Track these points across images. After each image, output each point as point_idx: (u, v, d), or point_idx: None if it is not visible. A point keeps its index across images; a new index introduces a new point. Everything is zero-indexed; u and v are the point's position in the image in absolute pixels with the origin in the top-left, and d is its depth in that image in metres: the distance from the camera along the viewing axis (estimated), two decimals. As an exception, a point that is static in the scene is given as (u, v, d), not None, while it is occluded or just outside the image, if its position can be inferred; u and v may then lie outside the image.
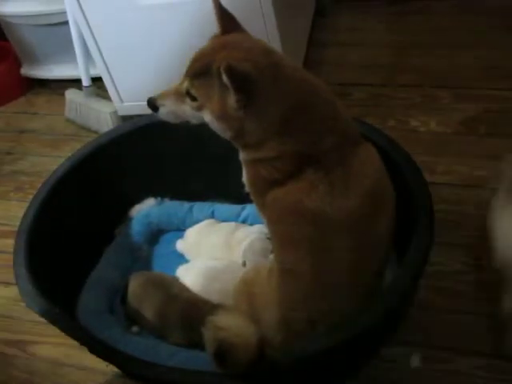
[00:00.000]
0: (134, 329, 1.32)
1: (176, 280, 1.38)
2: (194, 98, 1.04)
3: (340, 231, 1.03)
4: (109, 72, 1.84)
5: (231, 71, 0.94)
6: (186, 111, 1.08)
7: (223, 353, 0.96)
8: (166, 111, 1.10)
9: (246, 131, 1.02)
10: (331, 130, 1.04)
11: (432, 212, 1.14)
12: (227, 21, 1.07)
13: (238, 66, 0.95)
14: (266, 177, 1.07)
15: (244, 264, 1.38)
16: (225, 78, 0.95)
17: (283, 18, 1.64)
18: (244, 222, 1.52)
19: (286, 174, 1.04)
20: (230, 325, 1.00)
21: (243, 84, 0.96)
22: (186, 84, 1.05)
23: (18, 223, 1.32)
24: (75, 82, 2.11)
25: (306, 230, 1.04)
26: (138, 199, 1.59)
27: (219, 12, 1.07)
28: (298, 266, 1.05)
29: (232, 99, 0.98)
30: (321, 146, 1.03)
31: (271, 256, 1.31)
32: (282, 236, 1.09)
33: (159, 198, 1.60)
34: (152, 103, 1.10)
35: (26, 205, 1.36)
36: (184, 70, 1.06)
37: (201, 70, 1.02)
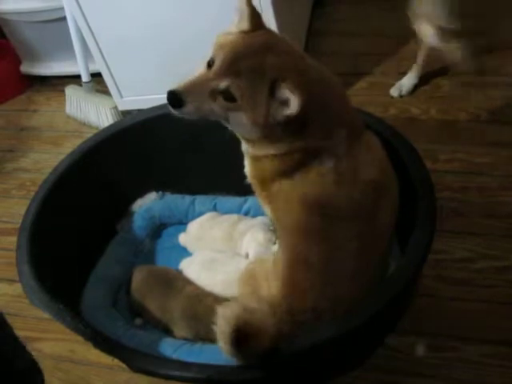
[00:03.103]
0: (137, 321, 1.33)
1: (179, 273, 1.38)
2: (231, 99, 0.96)
3: (347, 220, 1.03)
4: (108, 67, 1.83)
5: (303, 102, 0.91)
6: (215, 110, 0.98)
7: (241, 339, 0.92)
8: (193, 109, 0.98)
9: (272, 133, 1.00)
10: (341, 124, 1.04)
11: (434, 200, 1.13)
12: (256, 18, 1.01)
13: (304, 96, 0.92)
14: (271, 170, 1.06)
15: (247, 256, 1.37)
16: (294, 104, 0.91)
17: (281, 8, 1.63)
18: (246, 214, 1.52)
19: (294, 168, 1.04)
20: (251, 311, 0.96)
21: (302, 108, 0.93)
22: (226, 82, 0.96)
23: (20, 220, 1.32)
24: (75, 78, 2.10)
25: (315, 220, 1.04)
26: (140, 194, 1.58)
27: (251, 9, 1.01)
28: (305, 255, 1.06)
29: (282, 114, 0.95)
30: (331, 140, 1.03)
31: (274, 247, 1.31)
32: (289, 226, 1.09)
33: (161, 192, 1.59)
34: (177, 98, 0.96)
35: (27, 202, 1.36)
36: (203, 61, 0.98)
37: (247, 71, 0.95)
